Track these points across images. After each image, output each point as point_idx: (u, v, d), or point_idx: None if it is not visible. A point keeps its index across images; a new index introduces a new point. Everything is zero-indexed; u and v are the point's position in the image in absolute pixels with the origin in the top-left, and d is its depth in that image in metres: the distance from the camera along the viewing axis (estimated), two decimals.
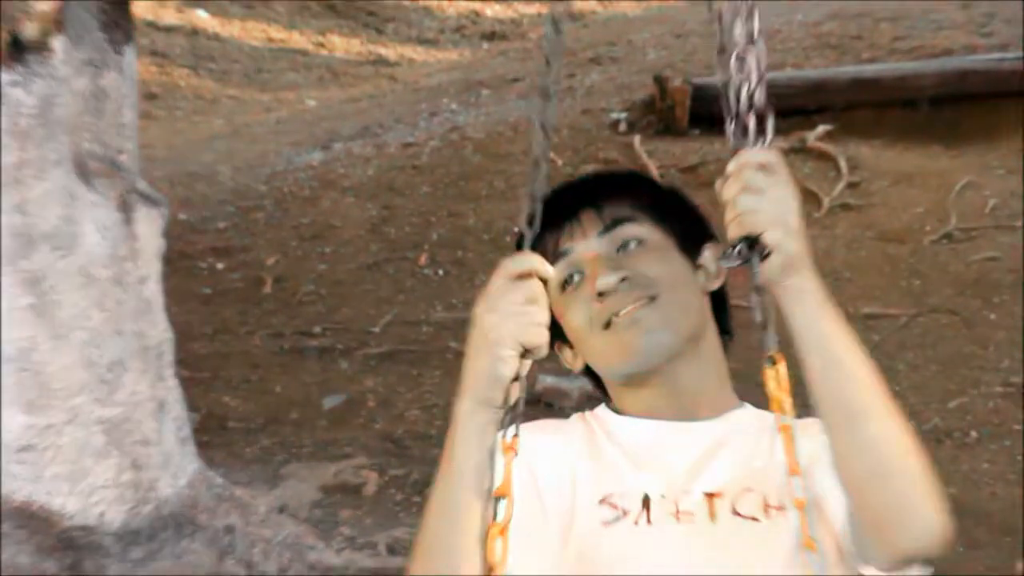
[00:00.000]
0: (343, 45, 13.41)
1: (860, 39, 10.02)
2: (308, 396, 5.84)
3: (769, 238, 1.57)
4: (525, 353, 1.61)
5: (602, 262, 1.82)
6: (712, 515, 1.77)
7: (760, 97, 1.61)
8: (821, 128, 8.25)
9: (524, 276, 1.62)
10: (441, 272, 6.99)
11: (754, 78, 1.61)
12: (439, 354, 6.14)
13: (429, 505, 1.70)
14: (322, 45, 13.44)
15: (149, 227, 4.19)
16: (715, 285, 1.88)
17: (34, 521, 3.99)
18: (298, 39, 13.54)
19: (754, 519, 1.76)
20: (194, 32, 13.44)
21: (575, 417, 1.88)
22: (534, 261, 1.63)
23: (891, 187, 7.70)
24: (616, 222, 1.85)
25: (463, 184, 8.08)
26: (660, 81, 8.82)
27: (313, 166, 8.58)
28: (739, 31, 1.62)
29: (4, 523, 3.96)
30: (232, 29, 13.65)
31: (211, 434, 5.29)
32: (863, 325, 6.40)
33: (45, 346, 3.95)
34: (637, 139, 8.38)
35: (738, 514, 1.76)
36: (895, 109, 8.58)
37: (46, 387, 3.98)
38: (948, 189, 7.59)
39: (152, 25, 13.09)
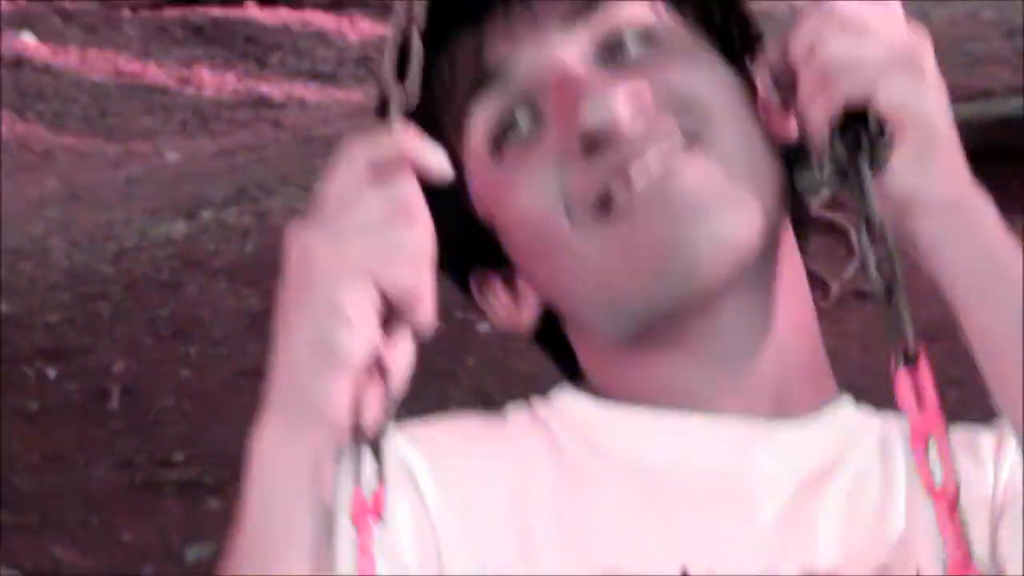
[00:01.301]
0: (214, 81, 13.42)
1: None
2: (167, 545, 5.76)
3: (897, 103, 1.13)
4: (391, 313, 1.07)
5: (584, 84, 1.22)
6: None
7: None
8: (827, 192, 8.31)
9: (386, 168, 1.10)
10: None
11: None
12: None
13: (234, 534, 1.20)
14: (186, 81, 13.45)
15: None
16: (789, 134, 1.25)
17: None
18: (155, 73, 13.55)
19: None
20: (18, 63, 13.43)
21: (515, 415, 1.32)
22: (405, 140, 1.11)
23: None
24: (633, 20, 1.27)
25: None
26: None
27: (174, 241, 8.56)
28: None
29: None
30: (69, 59, 13.66)
31: None
32: None
33: None
34: None
35: None
36: None
37: None
38: None
39: None
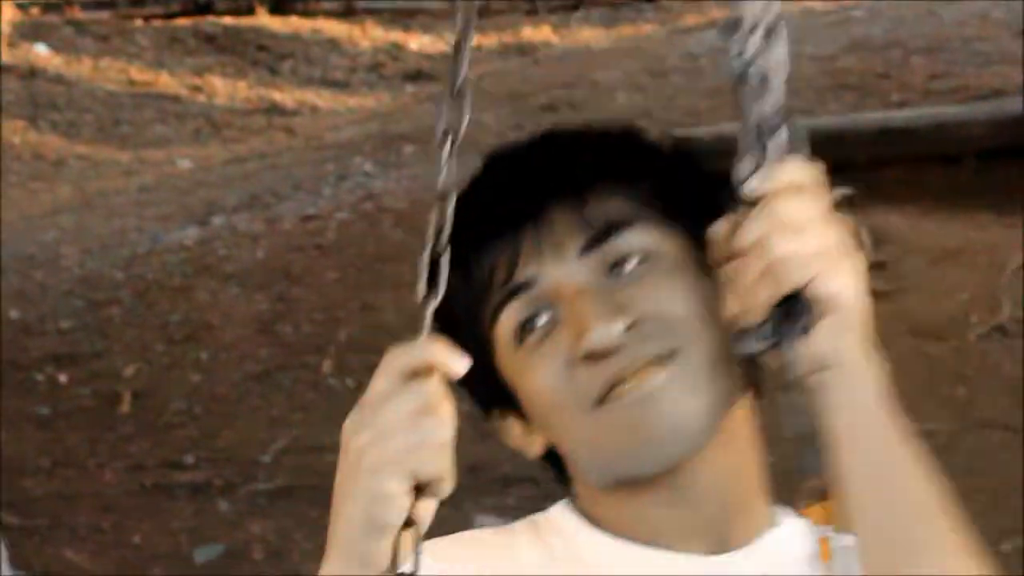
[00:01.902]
0: (226, 89, 13.45)
1: (888, 78, 10.16)
2: (176, 547, 5.77)
3: (824, 291, 1.33)
4: (420, 490, 1.33)
5: (592, 299, 1.51)
6: None
7: (778, 80, 1.36)
8: (838, 191, 8.22)
9: (418, 373, 1.34)
10: (350, 382, 6.97)
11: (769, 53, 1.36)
12: None
13: None
14: (199, 89, 13.48)
15: None
16: (751, 347, 1.44)
17: None
18: (168, 81, 13.58)
19: None
20: (32, 73, 13.47)
21: (521, 528, 1.61)
22: (431, 351, 1.35)
23: (928, 267, 7.78)
24: (608, 229, 1.55)
25: (380, 268, 8.08)
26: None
27: (186, 247, 8.57)
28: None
29: None
30: (82, 69, 13.70)
31: None
32: None
33: None
34: None
35: None
36: (933, 166, 8.67)
37: None
38: (1001, 268, 7.66)
39: None
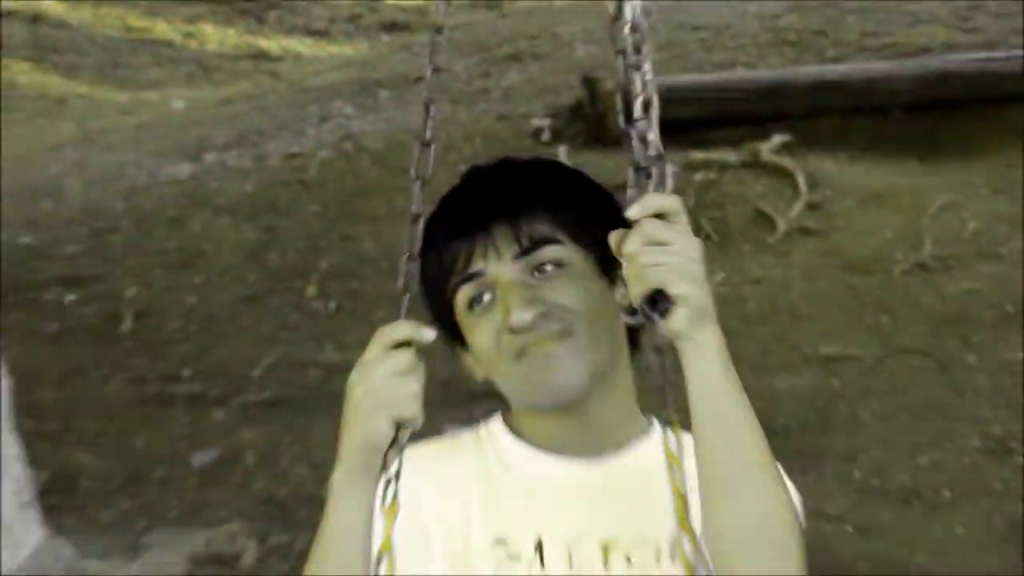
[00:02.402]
0: (216, 36, 13.41)
1: (823, 35, 10.15)
2: (175, 451, 5.78)
3: (675, 291, 1.71)
4: (399, 424, 1.78)
5: (517, 291, 1.97)
6: (606, 565, 2.00)
7: (654, 135, 1.81)
8: (777, 139, 8.30)
9: (398, 345, 1.79)
10: (332, 305, 6.97)
11: (649, 120, 1.82)
12: (330, 401, 5.82)
13: (311, 557, 1.88)
14: (191, 36, 13.44)
15: None
16: (623, 303, 1.89)
17: None
18: (163, 28, 13.53)
19: (647, 565, 1.98)
20: (36, 19, 13.38)
21: (468, 437, 2.08)
22: (407, 329, 1.80)
23: (857, 208, 7.78)
24: (534, 244, 1.99)
25: (358, 202, 8.09)
26: (590, 83, 8.83)
27: (180, 180, 8.57)
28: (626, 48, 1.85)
29: None
30: (83, 15, 13.62)
31: (60, 496, 5.23)
32: (823, 368, 6.45)
33: None
34: (563, 150, 8.40)
35: (632, 565, 1.99)
36: (863, 117, 8.65)
37: None
38: (923, 210, 7.67)
39: None
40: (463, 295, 2.01)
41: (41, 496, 4.51)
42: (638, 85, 1.83)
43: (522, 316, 1.95)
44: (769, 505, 1.81)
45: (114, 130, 10.54)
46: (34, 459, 4.54)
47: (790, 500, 1.83)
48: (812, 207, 7.77)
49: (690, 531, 1.72)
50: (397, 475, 1.80)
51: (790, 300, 6.98)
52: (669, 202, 1.75)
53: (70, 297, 7.16)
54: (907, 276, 7.16)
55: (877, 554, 5.04)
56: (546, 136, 8.87)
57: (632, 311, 1.76)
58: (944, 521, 5.30)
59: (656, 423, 2.01)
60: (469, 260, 2.00)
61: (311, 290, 7.15)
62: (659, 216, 1.74)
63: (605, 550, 1.99)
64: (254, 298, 7.14)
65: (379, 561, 1.80)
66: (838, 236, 7.55)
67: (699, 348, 1.76)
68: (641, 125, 1.81)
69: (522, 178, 2.10)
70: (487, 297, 1.99)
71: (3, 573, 4.19)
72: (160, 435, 5.94)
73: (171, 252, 7.59)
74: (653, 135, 1.80)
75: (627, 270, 1.74)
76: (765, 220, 7.60)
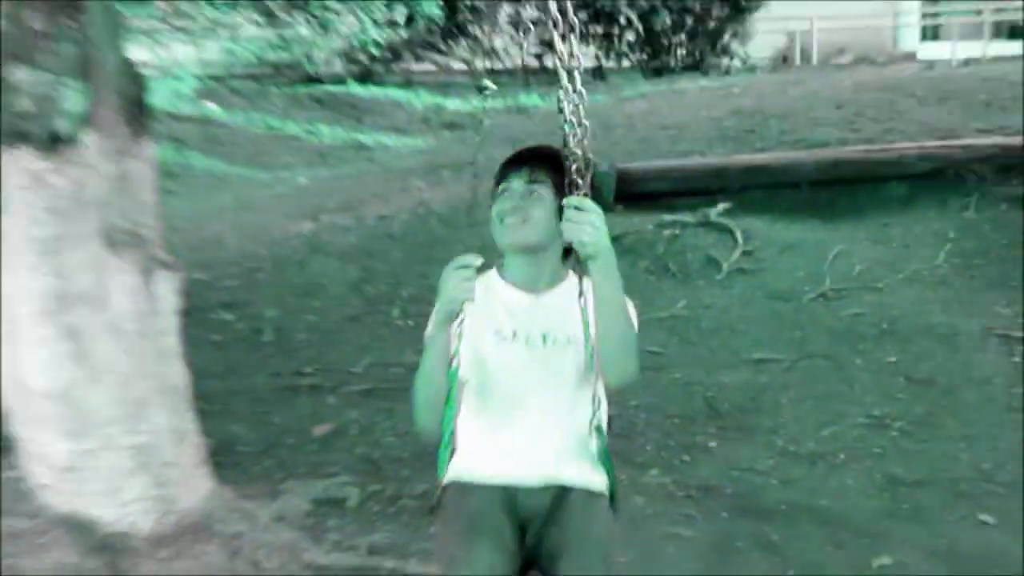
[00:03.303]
0: (329, 133, 13.47)
1: (753, 132, 10.15)
2: (301, 425, 5.77)
3: (585, 241, 2.44)
4: (461, 302, 2.52)
5: (517, 194, 2.72)
6: (544, 343, 2.70)
7: (581, 166, 2.51)
8: (721, 206, 8.29)
9: (461, 266, 2.51)
10: (411, 323, 6.95)
11: (576, 166, 2.51)
12: (409, 391, 6.01)
13: (422, 363, 2.59)
14: (312, 132, 13.51)
15: (167, 288, 4.15)
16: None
17: (78, 528, 3.99)
18: (292, 127, 13.60)
19: (565, 345, 2.69)
20: (206, 121, 13.48)
21: (479, 282, 2.56)
22: (465, 259, 2.52)
23: (778, 255, 7.74)
24: (532, 181, 2.72)
25: (428, 250, 8.07)
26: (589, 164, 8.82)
27: (304, 234, 8.58)
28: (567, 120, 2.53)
29: (54, 530, 3.99)
30: (237, 119, 13.70)
31: (223, 457, 5.19)
32: (754, 368, 6.43)
33: (83, 385, 3.92)
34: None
35: (557, 344, 2.70)
36: (782, 190, 8.62)
37: (84, 419, 3.95)
38: (824, 257, 7.64)
39: (171, 115, 13.12)
40: (500, 189, 2.75)
41: (210, 456, 4.50)
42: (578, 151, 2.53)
43: (514, 214, 2.71)
44: (626, 330, 2.58)
45: (259, 199, 10.58)
46: (204, 431, 4.53)
47: (631, 318, 2.61)
48: (746, 254, 7.74)
49: (587, 327, 2.60)
50: (461, 321, 2.58)
51: (731, 320, 6.95)
52: (581, 201, 2.45)
53: (228, 316, 7.20)
54: (813, 303, 7.15)
55: (793, 500, 5.00)
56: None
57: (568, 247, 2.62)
58: (840, 476, 5.26)
59: (572, 275, 2.75)
60: (508, 176, 2.75)
61: (396, 312, 7.16)
62: (576, 208, 2.44)
63: (543, 336, 2.70)
64: (356, 318, 7.14)
65: (451, 361, 2.59)
66: (765, 275, 7.52)
67: (596, 267, 2.49)
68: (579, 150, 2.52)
69: (533, 153, 2.79)
70: (507, 193, 2.73)
71: (183, 510, 4.17)
72: (291, 414, 5.93)
73: (298, 285, 7.61)
74: (591, 158, 2.54)
75: (564, 219, 2.44)
76: (714, 263, 7.58)
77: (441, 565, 2.58)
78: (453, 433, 2.72)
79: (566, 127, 2.51)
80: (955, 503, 4.97)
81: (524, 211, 2.67)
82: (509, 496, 2.65)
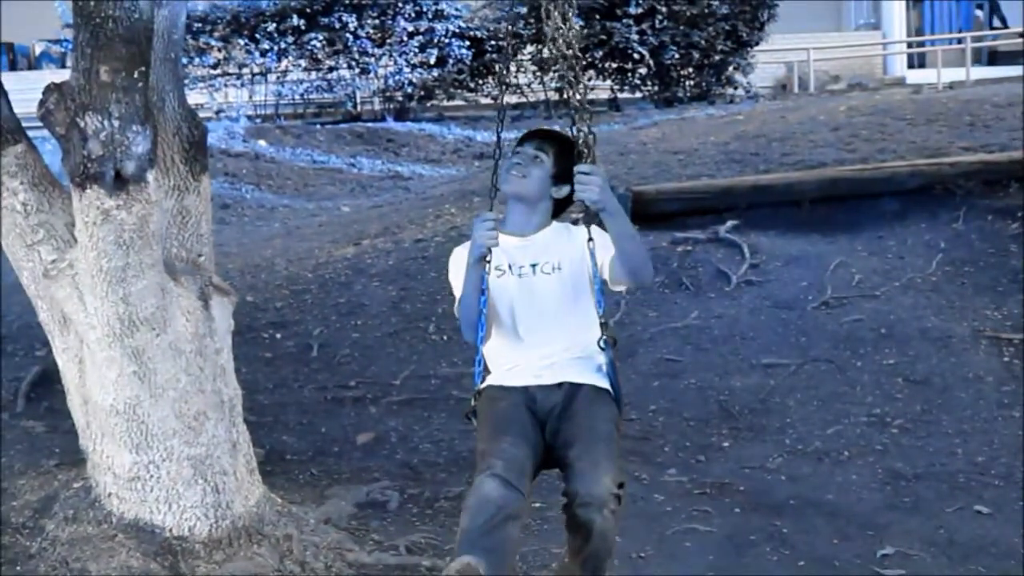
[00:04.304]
0: (369, 165, 13.49)
1: (757, 155, 10.09)
2: (346, 434, 5.76)
3: (595, 198, 2.85)
4: (488, 247, 2.95)
5: (525, 157, 3.09)
6: (534, 272, 3.05)
7: (589, 140, 2.97)
8: (730, 223, 8.20)
9: (485, 219, 2.94)
10: (445, 338, 6.91)
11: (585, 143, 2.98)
12: (444, 401, 6.04)
13: (462, 291, 3.03)
14: (353, 165, 13.52)
15: (221, 311, 4.21)
16: (558, 195, 3.12)
17: (142, 533, 4.01)
18: (335, 161, 13.61)
19: (551, 272, 3.04)
20: (256, 157, 13.52)
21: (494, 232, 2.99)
22: (488, 214, 2.96)
23: (782, 267, 7.67)
24: (539, 148, 3.10)
25: None
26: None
27: (348, 258, 8.55)
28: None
29: (119, 535, 3.99)
30: (285, 154, 13.73)
31: (273, 465, 5.24)
32: (763, 372, 6.38)
33: (146, 402, 3.95)
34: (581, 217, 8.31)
35: (544, 272, 3.04)
36: (785, 208, 8.54)
37: (147, 433, 3.99)
38: (825, 268, 7.56)
39: (225, 152, 13.17)
40: (513, 151, 3.10)
41: (261, 465, 4.50)
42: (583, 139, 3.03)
43: (520, 170, 3.06)
44: (643, 249, 3.06)
45: (305, 227, 10.61)
46: (256, 441, 4.54)
47: (645, 248, 3.10)
48: (754, 267, 7.70)
49: (595, 266, 3.02)
50: (488, 260, 2.97)
51: (740, 328, 6.90)
52: (589, 167, 2.89)
53: (278, 335, 7.19)
54: (816, 311, 7.07)
55: (801, 495, 4.95)
56: (579, 224, 8.78)
57: (578, 203, 3.02)
58: (844, 472, 5.23)
59: (555, 223, 3.12)
60: (523, 144, 3.11)
61: (432, 328, 7.12)
62: (586, 172, 2.87)
63: (533, 267, 3.05)
64: (395, 334, 7.10)
65: (482, 292, 2.99)
66: (771, 286, 7.45)
67: (606, 213, 2.89)
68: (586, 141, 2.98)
69: (550, 133, 3.18)
70: (516, 155, 3.08)
71: (237, 514, 4.15)
72: (336, 424, 5.92)
73: (342, 305, 7.57)
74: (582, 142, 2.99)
75: (576, 183, 2.88)
76: (724, 276, 7.52)
77: (477, 458, 2.87)
78: (481, 353, 3.05)
79: (574, 114, 2.98)
80: (953, 495, 4.91)
81: (527, 168, 3.06)
82: (529, 396, 2.99)
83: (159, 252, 3.87)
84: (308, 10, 15.75)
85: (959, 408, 5.87)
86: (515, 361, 3.05)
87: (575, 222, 3.16)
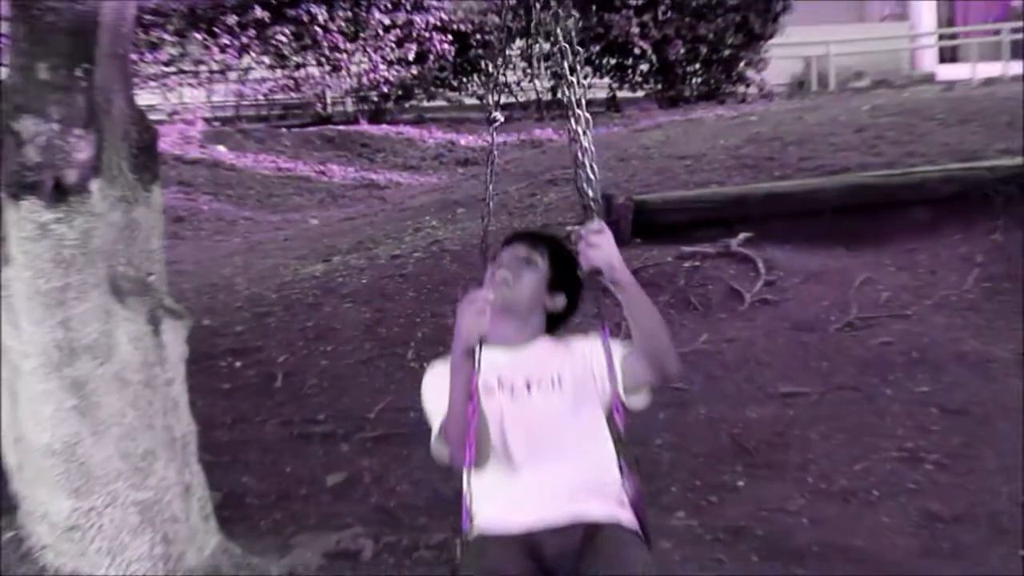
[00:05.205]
0: (340, 172, 13.51)
1: (772, 160, 10.12)
2: (314, 475, 5.70)
3: (602, 267, 2.64)
4: (477, 338, 2.62)
5: (512, 264, 2.93)
6: (528, 391, 2.83)
7: (596, 198, 2.77)
8: (742, 235, 8.21)
9: (475, 300, 2.63)
10: (425, 365, 6.84)
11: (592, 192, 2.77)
12: (425, 436, 5.90)
13: (450, 397, 2.66)
14: (323, 172, 13.53)
15: (174, 337, 4.19)
16: (554, 308, 2.97)
17: None
18: (302, 168, 13.64)
19: (551, 388, 2.82)
20: (215, 164, 13.54)
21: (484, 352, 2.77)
22: (479, 293, 2.65)
23: (802, 284, 7.67)
24: (533, 248, 2.98)
25: (443, 289, 8.01)
26: (607, 199, 8.83)
27: (316, 276, 8.55)
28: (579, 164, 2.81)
29: None
30: (247, 161, 13.75)
31: (231, 510, 5.19)
32: (781, 402, 6.35)
33: (88, 441, 3.91)
34: None
35: (542, 389, 2.82)
36: (804, 218, 8.54)
37: (89, 475, 3.95)
38: (849, 285, 7.56)
39: (179, 159, 13.19)
40: (498, 259, 2.94)
41: (217, 510, 4.45)
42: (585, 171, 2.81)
43: (507, 283, 2.88)
44: (664, 332, 2.76)
45: (269, 241, 10.61)
46: (212, 483, 4.49)
47: (667, 328, 2.77)
48: (769, 284, 7.70)
49: (610, 368, 2.79)
50: (478, 360, 2.64)
51: (756, 353, 6.88)
52: (599, 226, 2.67)
53: (237, 363, 7.15)
54: (840, 332, 7.04)
55: (825, 540, 4.92)
56: (575, 238, 8.81)
57: (583, 273, 2.76)
58: (874, 514, 5.20)
59: (546, 335, 2.96)
60: (510, 246, 2.97)
61: (410, 354, 7.09)
62: (594, 234, 2.65)
63: (526, 384, 2.83)
64: (369, 361, 7.06)
65: (471, 398, 2.64)
66: (788, 305, 7.44)
67: (619, 287, 2.67)
68: (589, 182, 2.78)
69: (531, 235, 3.07)
70: (505, 254, 2.95)
71: (190, 567, 4.12)
72: (303, 463, 5.88)
73: (310, 328, 7.55)
74: (592, 197, 2.77)
75: (581, 253, 2.66)
76: (736, 294, 7.52)
77: None
78: (469, 484, 2.72)
79: (577, 168, 2.82)
80: (996, 539, 4.89)
81: (517, 272, 2.91)
82: (534, 544, 2.64)
83: (103, 271, 3.84)
84: (273, 1, 15.77)
85: (1001, 441, 5.85)
86: (512, 499, 2.71)
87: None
